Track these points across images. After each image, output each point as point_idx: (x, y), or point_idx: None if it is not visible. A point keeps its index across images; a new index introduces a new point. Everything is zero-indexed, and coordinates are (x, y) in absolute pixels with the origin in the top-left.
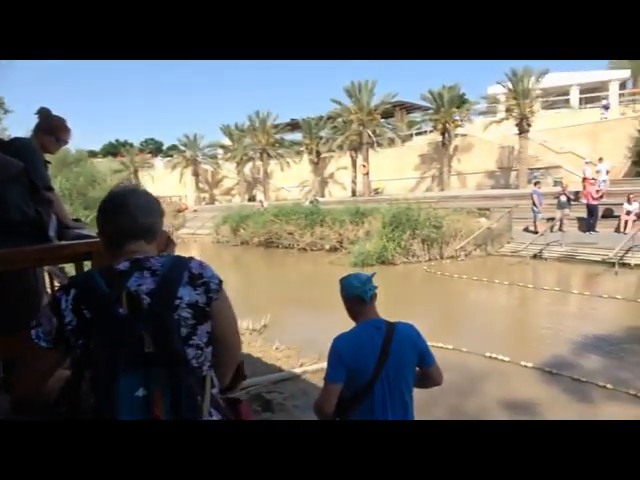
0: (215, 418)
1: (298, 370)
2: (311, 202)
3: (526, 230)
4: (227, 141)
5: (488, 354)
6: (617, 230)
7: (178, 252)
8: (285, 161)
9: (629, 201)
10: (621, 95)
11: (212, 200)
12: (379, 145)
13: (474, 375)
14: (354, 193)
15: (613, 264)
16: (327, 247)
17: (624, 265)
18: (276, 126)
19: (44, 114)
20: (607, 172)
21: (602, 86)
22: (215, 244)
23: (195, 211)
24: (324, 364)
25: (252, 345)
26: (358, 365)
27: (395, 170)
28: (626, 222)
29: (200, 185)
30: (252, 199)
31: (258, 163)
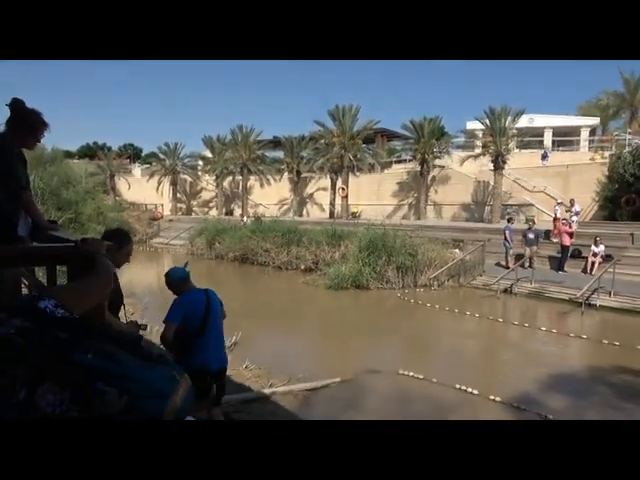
0: None
1: (267, 391)
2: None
3: (498, 265)
4: (208, 153)
5: (457, 386)
6: (584, 271)
7: (150, 261)
8: (265, 178)
9: (596, 243)
10: (590, 141)
11: (189, 211)
12: (359, 170)
13: (443, 407)
14: (332, 215)
15: (580, 304)
16: (302, 267)
17: (590, 306)
18: (259, 142)
19: (18, 107)
20: (577, 214)
21: (573, 131)
22: (189, 256)
23: (170, 221)
24: (294, 386)
25: None
26: (194, 312)
27: (373, 195)
28: (593, 263)
29: (178, 195)
30: (229, 213)
31: (238, 178)
